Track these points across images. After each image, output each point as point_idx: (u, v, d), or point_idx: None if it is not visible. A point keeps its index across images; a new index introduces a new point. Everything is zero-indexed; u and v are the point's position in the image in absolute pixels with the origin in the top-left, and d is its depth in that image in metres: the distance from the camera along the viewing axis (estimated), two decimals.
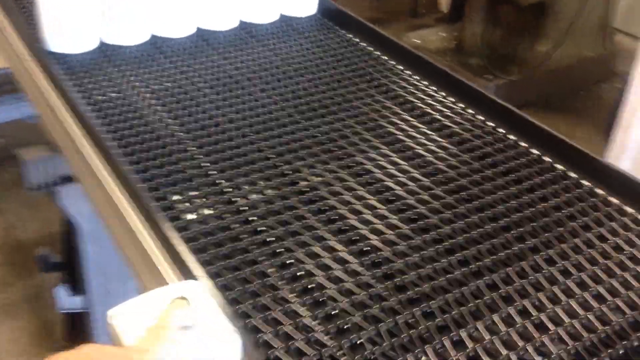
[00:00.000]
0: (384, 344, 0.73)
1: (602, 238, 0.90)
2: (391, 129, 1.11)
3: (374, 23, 1.42)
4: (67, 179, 1.52)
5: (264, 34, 1.40)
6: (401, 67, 1.31)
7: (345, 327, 0.75)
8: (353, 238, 0.87)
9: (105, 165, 0.98)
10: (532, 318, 0.77)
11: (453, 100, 1.20)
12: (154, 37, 1.32)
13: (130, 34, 1.27)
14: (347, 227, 0.88)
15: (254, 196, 0.92)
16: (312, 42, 1.40)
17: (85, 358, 0.56)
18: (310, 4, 1.49)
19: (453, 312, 0.77)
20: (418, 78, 1.27)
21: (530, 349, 0.73)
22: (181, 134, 1.06)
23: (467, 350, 0.73)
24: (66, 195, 1.54)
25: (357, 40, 1.42)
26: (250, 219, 0.88)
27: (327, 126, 1.10)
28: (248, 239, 0.85)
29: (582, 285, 0.83)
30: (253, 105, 1.15)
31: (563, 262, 0.85)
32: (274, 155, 1.01)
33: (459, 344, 0.74)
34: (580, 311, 0.78)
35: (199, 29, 1.37)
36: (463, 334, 0.74)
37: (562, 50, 2.90)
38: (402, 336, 0.74)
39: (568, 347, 0.74)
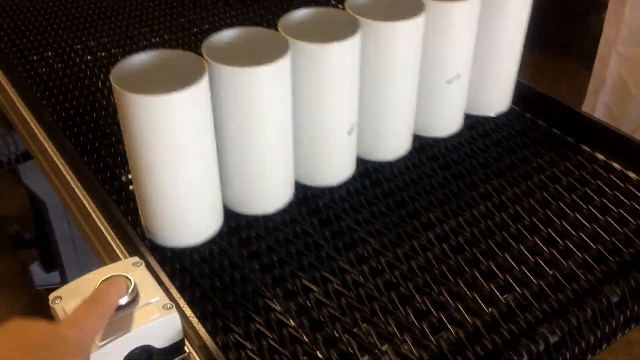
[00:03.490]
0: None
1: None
2: None
3: None
4: (28, 156, 1.28)
5: (445, 153, 0.82)
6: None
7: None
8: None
9: (49, 142, 0.85)
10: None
11: None
12: (299, 188, 0.77)
13: (264, 202, 0.73)
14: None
15: None
16: (512, 155, 0.82)
17: (8, 334, 0.48)
18: (501, 96, 0.89)
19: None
20: None
21: None
22: None
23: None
24: (28, 172, 1.32)
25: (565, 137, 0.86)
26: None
27: None
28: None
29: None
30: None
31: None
32: None
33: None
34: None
35: (358, 160, 0.80)
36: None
37: None
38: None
39: None
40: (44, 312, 0.56)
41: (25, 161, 1.30)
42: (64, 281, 1.45)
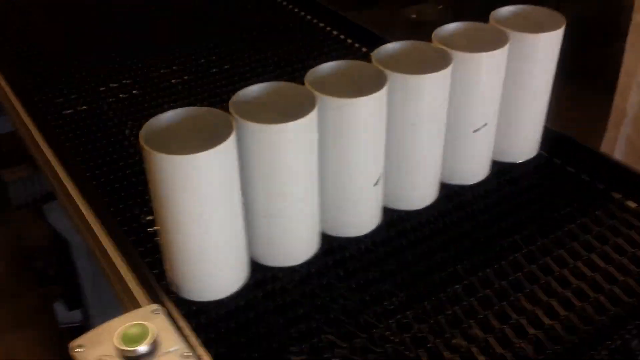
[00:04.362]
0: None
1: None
2: None
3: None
4: (52, 196, 1.29)
5: (471, 201, 0.80)
6: None
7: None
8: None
9: (71, 183, 0.86)
10: None
11: None
12: (325, 238, 0.75)
13: (290, 254, 0.71)
14: None
15: None
16: (541, 203, 0.80)
17: None
18: (529, 142, 0.86)
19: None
20: None
21: None
22: None
23: None
24: (52, 212, 1.32)
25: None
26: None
27: None
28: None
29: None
30: None
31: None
32: None
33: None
34: None
35: (384, 209, 0.78)
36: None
37: (561, 11, 2.57)
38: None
39: None
40: (65, 348, 0.58)
41: (50, 201, 1.31)
42: (86, 320, 1.45)
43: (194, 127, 0.64)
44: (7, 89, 1.10)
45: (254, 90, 0.67)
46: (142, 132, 0.60)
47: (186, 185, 0.59)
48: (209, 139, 0.60)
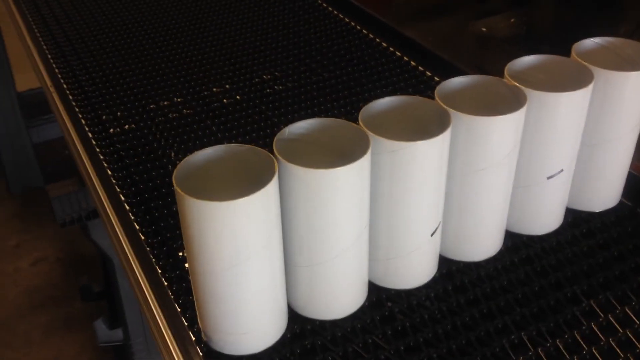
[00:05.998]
0: None
1: None
2: None
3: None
4: (96, 213, 1.27)
5: (541, 255, 0.72)
6: None
7: None
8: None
9: (109, 205, 0.84)
10: None
11: None
12: (372, 289, 0.68)
13: (334, 307, 0.65)
14: None
15: None
16: (622, 263, 0.71)
17: None
18: (610, 189, 0.77)
19: None
20: None
21: None
22: None
23: None
24: (97, 229, 1.31)
25: None
26: None
27: None
28: None
29: None
30: None
31: None
32: None
33: None
34: None
35: (441, 259, 0.71)
36: None
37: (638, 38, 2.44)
38: None
39: None
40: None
41: (95, 218, 1.29)
42: (126, 339, 1.43)
43: (235, 166, 0.58)
44: (60, 104, 1.09)
45: (302, 126, 0.61)
46: (177, 172, 0.55)
47: (221, 233, 0.54)
48: (250, 178, 0.54)
